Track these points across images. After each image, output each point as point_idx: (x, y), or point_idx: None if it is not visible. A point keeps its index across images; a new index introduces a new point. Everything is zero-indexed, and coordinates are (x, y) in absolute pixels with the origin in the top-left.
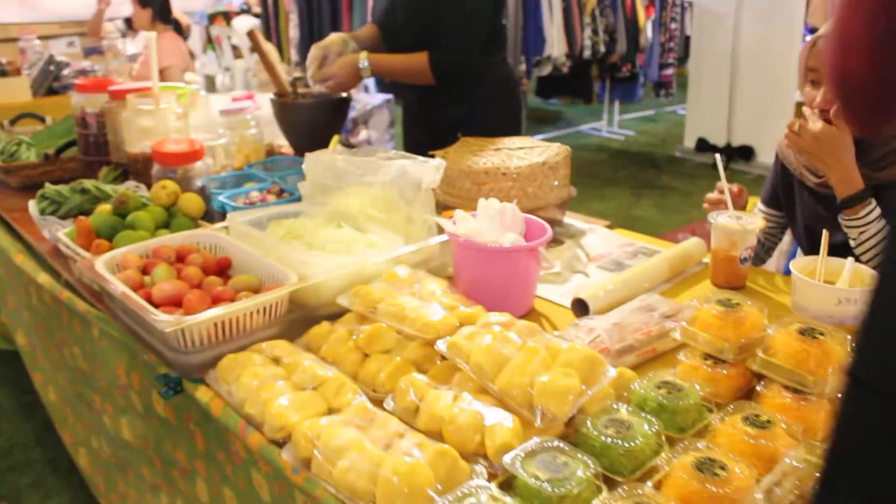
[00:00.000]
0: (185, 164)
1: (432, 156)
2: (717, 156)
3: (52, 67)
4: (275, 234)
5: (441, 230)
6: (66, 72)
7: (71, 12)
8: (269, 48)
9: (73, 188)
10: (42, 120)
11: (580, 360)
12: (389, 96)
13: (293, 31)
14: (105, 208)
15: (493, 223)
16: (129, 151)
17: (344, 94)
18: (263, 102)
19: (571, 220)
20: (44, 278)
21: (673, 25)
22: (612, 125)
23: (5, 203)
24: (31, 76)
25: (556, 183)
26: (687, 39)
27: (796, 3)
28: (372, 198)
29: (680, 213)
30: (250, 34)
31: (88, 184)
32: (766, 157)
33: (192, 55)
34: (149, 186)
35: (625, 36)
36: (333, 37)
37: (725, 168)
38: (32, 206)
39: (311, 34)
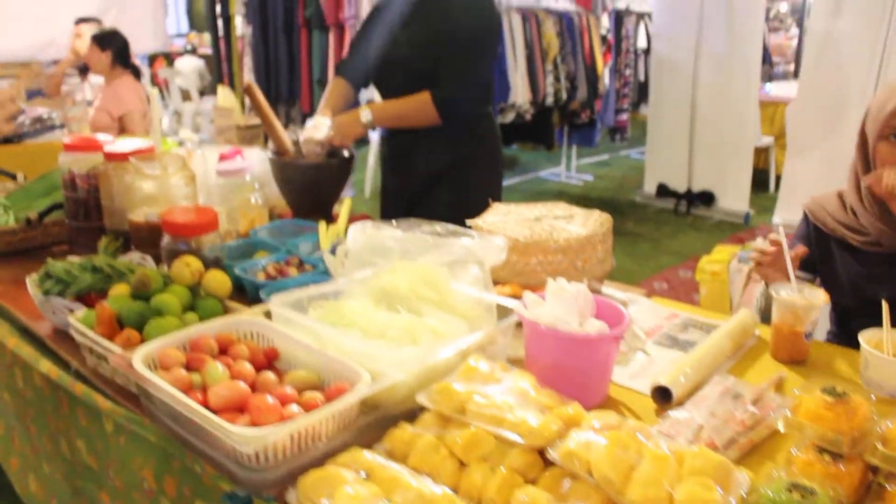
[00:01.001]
0: (199, 234)
1: (465, 223)
2: (780, 228)
3: None
4: (326, 320)
5: (502, 310)
6: (21, 119)
7: (11, 52)
8: (266, 103)
9: (82, 266)
10: (13, 177)
11: (713, 467)
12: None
13: (247, 75)
14: (122, 290)
15: (568, 307)
16: (131, 219)
17: (346, 153)
18: (251, 157)
19: (609, 289)
20: (47, 367)
21: (627, 72)
22: (570, 170)
23: None
24: None
25: (601, 255)
26: (640, 85)
27: (752, 53)
28: (422, 276)
29: (650, 259)
30: (247, 88)
31: (100, 261)
32: (726, 202)
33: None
34: (155, 258)
35: (585, 82)
36: (318, 122)
37: (686, 213)
38: (32, 285)
39: (267, 78)
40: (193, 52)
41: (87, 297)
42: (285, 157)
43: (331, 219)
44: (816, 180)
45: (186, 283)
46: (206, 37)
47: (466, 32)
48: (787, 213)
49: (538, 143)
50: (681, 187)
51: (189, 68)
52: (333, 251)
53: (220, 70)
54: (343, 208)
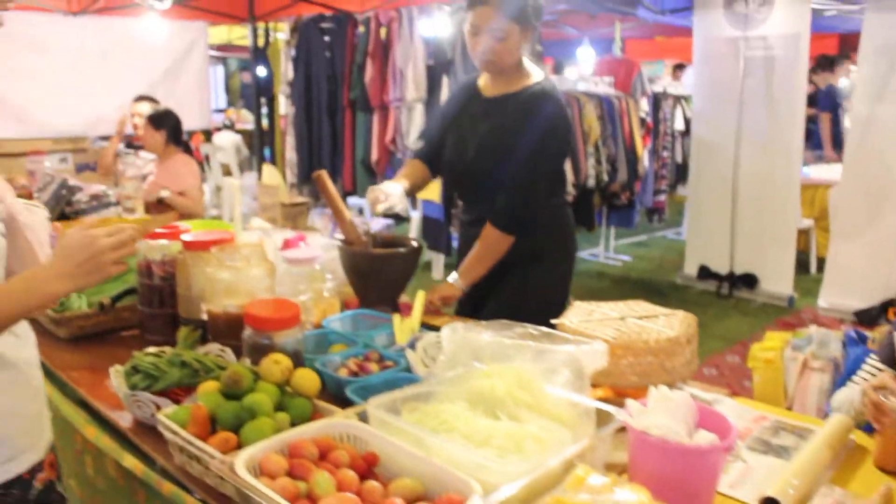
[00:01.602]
0: (282, 329)
1: (551, 325)
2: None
3: (64, 191)
4: (424, 424)
5: (602, 416)
6: (78, 196)
7: (65, 129)
8: (336, 192)
9: (170, 361)
10: None
11: None
12: (391, 221)
13: (290, 153)
14: (212, 387)
15: (675, 416)
16: (209, 310)
17: (415, 244)
18: (314, 243)
19: (691, 388)
20: (131, 462)
21: (665, 153)
22: (608, 250)
23: (57, 358)
24: (42, 200)
25: (688, 356)
26: (677, 166)
27: (794, 136)
28: (517, 378)
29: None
30: (317, 177)
31: (188, 356)
32: (769, 285)
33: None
34: (235, 350)
35: (625, 164)
36: (393, 189)
37: (729, 295)
38: (117, 377)
39: (310, 157)
40: (231, 127)
41: (173, 392)
42: (354, 247)
43: (397, 308)
44: (861, 263)
45: (276, 382)
46: (244, 112)
47: (534, 143)
48: (833, 297)
49: (578, 225)
50: (723, 269)
51: (227, 143)
52: (413, 346)
53: (261, 147)
54: (416, 300)
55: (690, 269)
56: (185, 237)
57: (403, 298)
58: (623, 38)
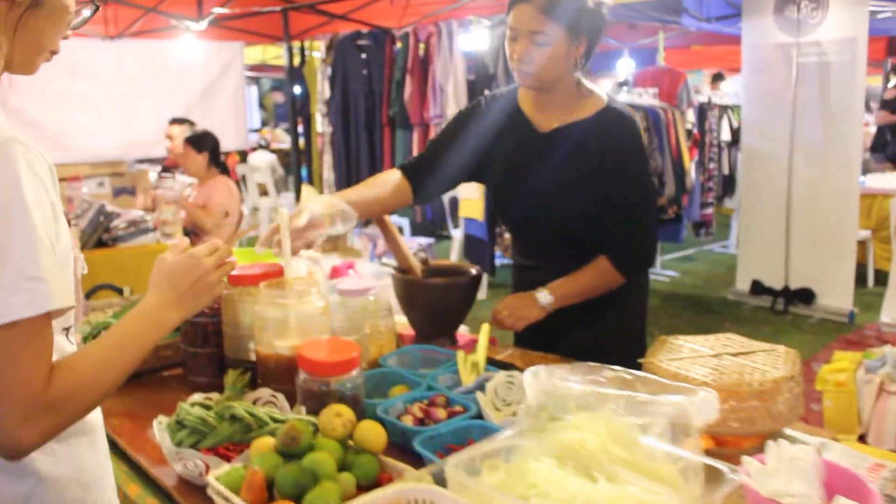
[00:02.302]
0: (341, 374)
1: (638, 365)
2: None
3: (102, 218)
4: (510, 487)
5: (710, 472)
6: (115, 222)
7: (102, 153)
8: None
9: (220, 414)
10: (119, 292)
11: None
12: (431, 240)
13: (327, 172)
14: (266, 445)
15: (805, 479)
16: (259, 351)
17: (474, 272)
18: (363, 271)
19: (792, 432)
20: None
21: (712, 165)
22: (655, 266)
23: None
24: (80, 227)
25: (795, 398)
26: (724, 178)
27: (851, 143)
28: (610, 431)
29: None
30: (381, 221)
31: (240, 408)
32: (827, 300)
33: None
34: (288, 396)
35: (672, 178)
36: (318, 204)
37: (784, 311)
38: (161, 431)
39: (348, 175)
40: (266, 147)
41: (223, 447)
42: (409, 276)
43: (455, 341)
44: None
45: (338, 437)
46: (279, 132)
47: (633, 183)
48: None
49: None
50: (777, 284)
51: (263, 163)
52: (482, 388)
53: (297, 166)
54: (481, 334)
55: (743, 284)
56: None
57: (461, 329)
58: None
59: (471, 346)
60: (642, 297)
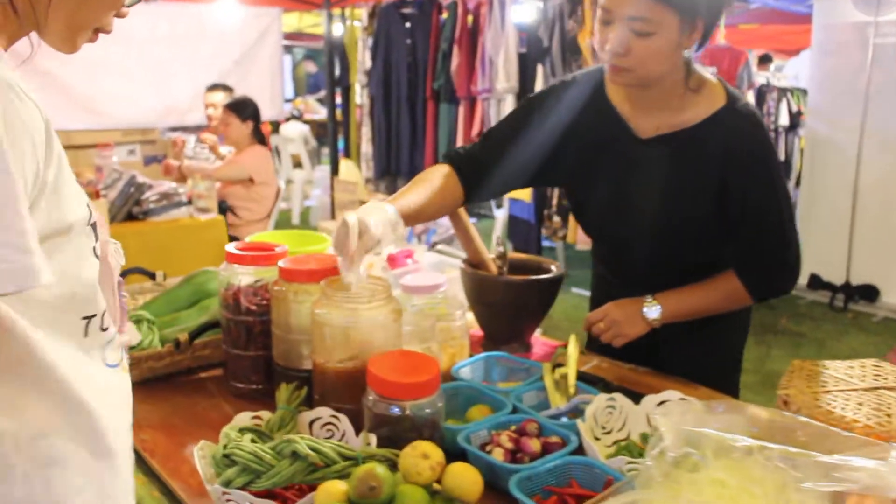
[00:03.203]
0: (419, 398)
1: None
2: None
3: (132, 189)
4: None
5: None
6: (147, 194)
7: (134, 119)
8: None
9: (278, 450)
10: (152, 277)
11: None
12: (474, 220)
13: (365, 146)
14: (336, 492)
15: None
16: (316, 361)
17: (555, 268)
18: (422, 260)
19: None
20: None
21: None
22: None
23: None
24: (109, 199)
25: None
26: (782, 165)
27: None
28: (748, 475)
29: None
30: (453, 215)
31: (303, 444)
32: (892, 298)
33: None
34: (352, 418)
35: None
36: (374, 219)
37: (844, 308)
38: (203, 463)
39: (387, 150)
40: (299, 117)
41: (279, 490)
42: (483, 271)
43: (528, 347)
44: None
45: (424, 483)
46: (312, 102)
47: (769, 198)
48: None
49: None
50: (838, 279)
51: (296, 134)
52: (579, 413)
53: (334, 138)
54: (570, 347)
55: (801, 278)
56: (283, 263)
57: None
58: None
59: (547, 355)
60: (748, 314)
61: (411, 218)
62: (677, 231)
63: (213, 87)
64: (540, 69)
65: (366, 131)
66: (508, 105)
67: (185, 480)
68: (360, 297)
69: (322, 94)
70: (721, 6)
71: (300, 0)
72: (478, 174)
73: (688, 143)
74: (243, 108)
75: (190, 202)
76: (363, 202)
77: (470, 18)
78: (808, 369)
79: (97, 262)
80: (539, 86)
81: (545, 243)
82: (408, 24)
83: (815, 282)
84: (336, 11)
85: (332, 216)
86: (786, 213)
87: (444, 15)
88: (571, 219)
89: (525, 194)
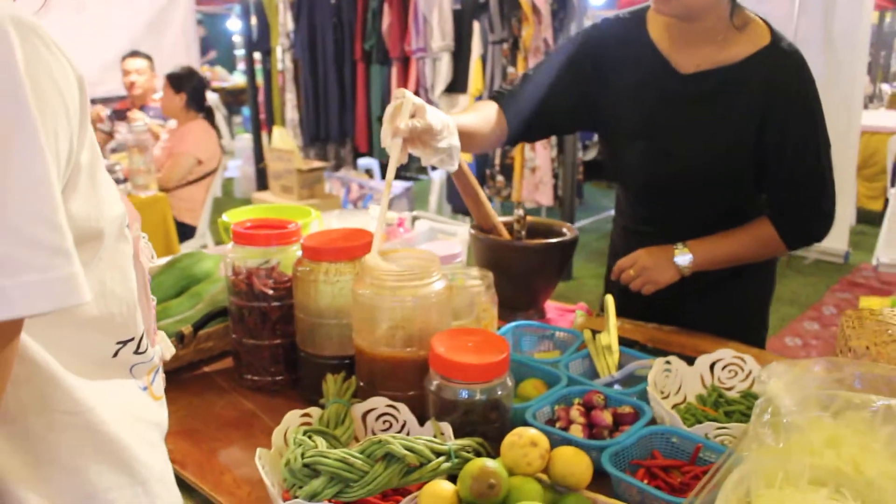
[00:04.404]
0: (491, 379)
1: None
2: None
3: None
4: None
5: None
6: None
7: None
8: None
9: (368, 453)
10: None
11: None
12: (409, 184)
13: (290, 112)
14: (444, 495)
15: None
16: (364, 348)
17: (567, 231)
18: (419, 228)
19: None
20: None
21: None
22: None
23: None
24: None
25: None
26: None
27: (855, 81)
28: (867, 432)
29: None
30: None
31: (395, 442)
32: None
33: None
34: (411, 407)
35: None
36: (432, 109)
37: None
38: (267, 473)
39: (316, 116)
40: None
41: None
42: (497, 237)
43: (544, 313)
44: None
45: (534, 472)
46: (219, 69)
47: (808, 136)
48: (894, 252)
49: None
50: None
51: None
52: (631, 378)
53: (255, 106)
54: (608, 310)
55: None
56: (308, 241)
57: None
58: None
59: (561, 319)
60: (774, 263)
61: (464, 138)
62: (715, 170)
63: (133, 54)
64: (476, 26)
65: (290, 97)
66: (444, 64)
67: (231, 493)
68: (409, 274)
69: (211, 56)
70: None
71: None
72: (520, 116)
73: (730, 80)
74: (177, 80)
75: (127, 180)
76: (300, 170)
77: None
78: (865, 317)
79: (134, 274)
80: (476, 44)
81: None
82: None
83: None
84: None
85: (265, 186)
86: (824, 157)
87: None
88: (515, 177)
89: (465, 154)
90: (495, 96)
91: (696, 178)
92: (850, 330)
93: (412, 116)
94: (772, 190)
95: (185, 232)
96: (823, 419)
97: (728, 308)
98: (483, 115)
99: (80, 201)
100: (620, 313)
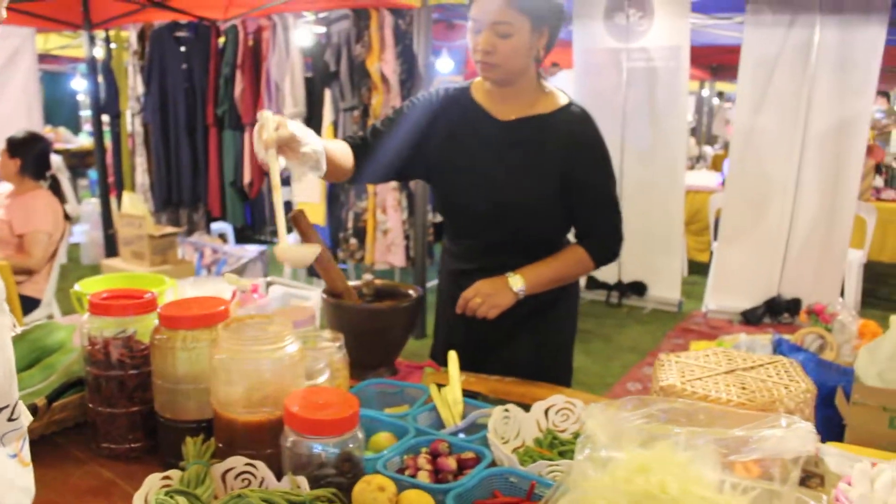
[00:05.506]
0: (343, 433)
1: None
2: None
3: None
4: None
5: None
6: None
7: None
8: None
9: (234, 503)
10: None
11: None
12: (264, 248)
13: (140, 176)
14: None
15: None
16: (221, 411)
17: (412, 292)
18: (274, 293)
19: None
20: None
21: None
22: None
23: None
24: None
25: (811, 410)
26: None
27: (678, 146)
28: (684, 470)
29: (612, 358)
30: (294, 216)
31: (253, 496)
32: (658, 291)
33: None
34: (268, 464)
35: None
36: (294, 122)
37: (619, 304)
38: None
39: (168, 180)
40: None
41: None
42: (347, 301)
43: (396, 370)
44: (746, 266)
45: None
46: (62, 130)
47: (602, 174)
48: (720, 299)
49: None
50: (611, 279)
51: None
52: (474, 427)
53: (104, 169)
54: (451, 363)
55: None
56: (164, 310)
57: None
58: None
59: (409, 376)
60: (575, 304)
61: (329, 163)
62: (528, 206)
63: None
64: (328, 93)
65: (141, 161)
66: None
67: None
68: (264, 338)
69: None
70: (560, 20)
71: (57, 20)
72: (367, 156)
73: (540, 126)
74: (13, 144)
75: None
76: (152, 236)
77: (251, 42)
78: (674, 362)
79: (11, 343)
80: (328, 110)
81: (341, 266)
82: (183, 49)
83: (592, 282)
84: (99, 34)
85: (115, 252)
86: (614, 190)
87: (222, 39)
88: (368, 239)
89: (319, 218)
90: (346, 140)
91: (513, 207)
92: (660, 372)
93: (276, 129)
94: (579, 219)
95: (28, 305)
96: (634, 450)
97: (540, 343)
98: (342, 146)
99: None
100: (453, 346)
